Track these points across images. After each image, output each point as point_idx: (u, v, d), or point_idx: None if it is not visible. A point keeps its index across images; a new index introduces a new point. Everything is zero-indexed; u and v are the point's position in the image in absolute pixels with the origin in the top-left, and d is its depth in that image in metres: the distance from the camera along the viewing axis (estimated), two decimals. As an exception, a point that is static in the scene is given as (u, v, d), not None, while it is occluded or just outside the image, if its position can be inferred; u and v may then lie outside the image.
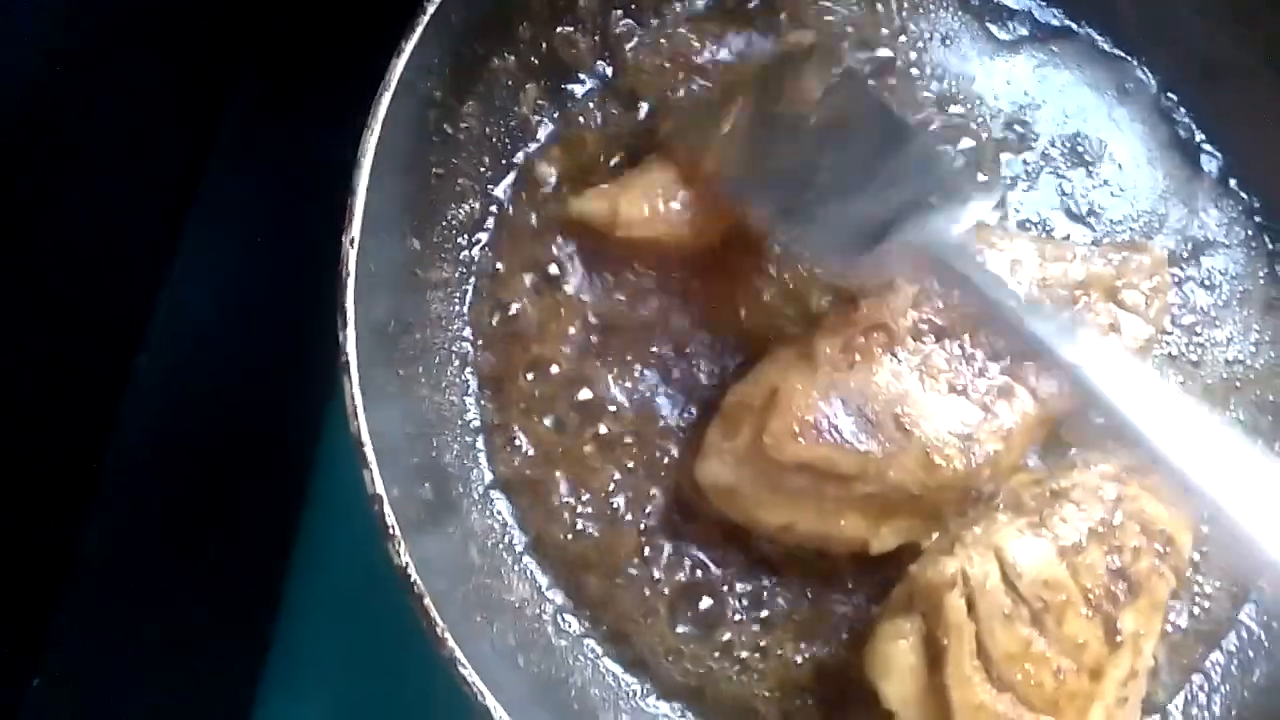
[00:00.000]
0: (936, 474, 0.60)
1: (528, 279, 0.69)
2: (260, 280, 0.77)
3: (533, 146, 0.71)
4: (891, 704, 0.58)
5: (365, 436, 0.54)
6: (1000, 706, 0.56)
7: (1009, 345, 0.61)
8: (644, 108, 0.72)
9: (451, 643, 0.52)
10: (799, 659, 0.64)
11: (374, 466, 0.54)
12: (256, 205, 0.79)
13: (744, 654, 0.64)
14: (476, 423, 0.67)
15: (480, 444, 0.67)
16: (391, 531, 0.53)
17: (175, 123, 0.77)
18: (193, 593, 0.72)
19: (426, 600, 0.52)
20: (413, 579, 0.53)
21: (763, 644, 0.64)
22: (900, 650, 0.58)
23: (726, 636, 0.64)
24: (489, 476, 0.66)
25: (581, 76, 0.72)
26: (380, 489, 0.54)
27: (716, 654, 0.64)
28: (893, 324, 0.63)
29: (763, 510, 0.62)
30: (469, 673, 0.52)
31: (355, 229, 0.57)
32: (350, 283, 0.56)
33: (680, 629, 0.64)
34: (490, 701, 0.51)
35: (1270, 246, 0.73)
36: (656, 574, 0.64)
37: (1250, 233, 0.74)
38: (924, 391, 0.62)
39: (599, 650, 0.64)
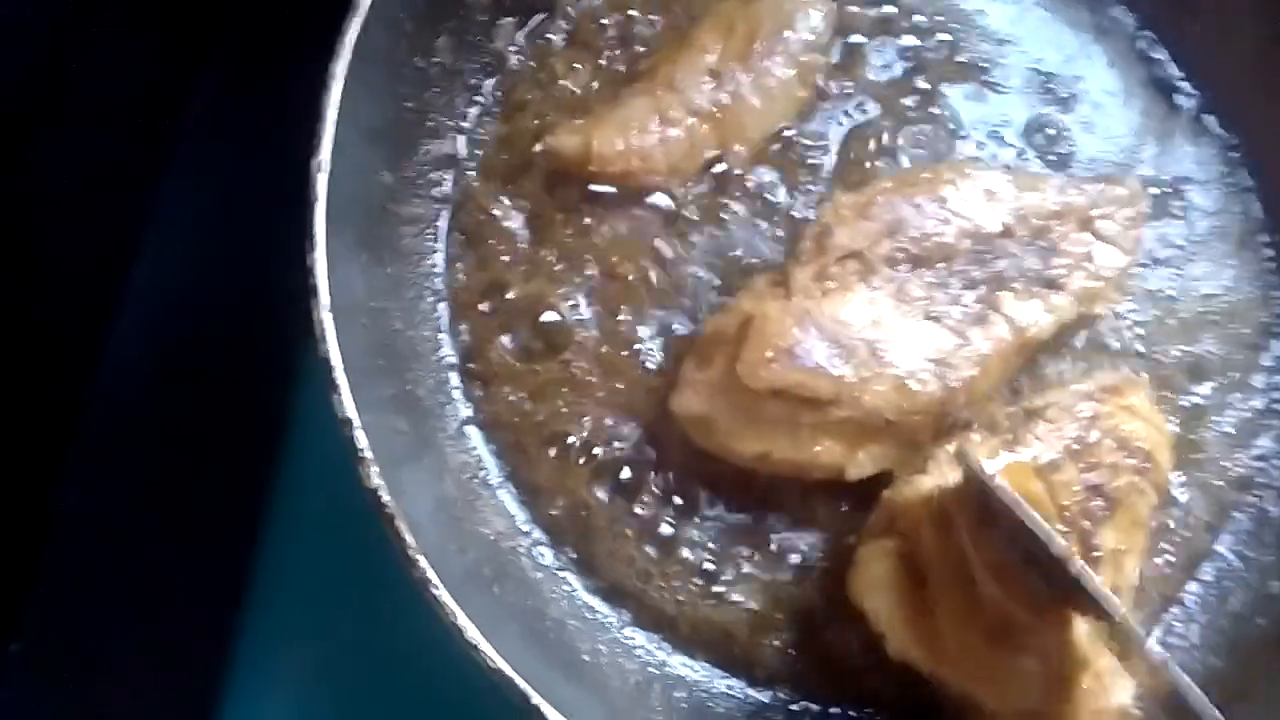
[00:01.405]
0: (911, 399, 0.60)
1: (501, 214, 0.68)
2: (236, 221, 0.76)
3: (506, 81, 0.70)
4: (881, 624, 0.57)
5: (335, 359, 0.53)
6: (983, 621, 0.55)
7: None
8: (620, 42, 0.71)
9: (424, 563, 0.51)
10: (776, 589, 0.63)
11: (343, 388, 0.53)
12: (237, 144, 0.78)
13: (722, 586, 0.63)
14: (451, 358, 0.66)
15: (455, 379, 0.66)
16: (362, 454, 0.53)
17: (155, 77, 0.77)
18: (170, 535, 0.71)
19: (399, 521, 0.52)
20: (384, 500, 0.52)
21: (740, 575, 0.63)
22: (884, 571, 0.58)
23: (705, 568, 0.63)
24: (464, 412, 0.66)
25: (556, 10, 0.71)
26: (351, 412, 0.53)
27: (694, 585, 0.63)
28: (868, 252, 0.63)
29: (738, 440, 0.61)
30: (441, 593, 0.51)
31: (324, 153, 0.56)
32: (319, 207, 0.56)
33: (657, 560, 0.63)
34: (462, 620, 0.50)
35: (1246, 183, 0.73)
36: (633, 507, 0.64)
37: (1226, 169, 0.73)
38: (899, 318, 0.62)
39: (575, 583, 0.63)
